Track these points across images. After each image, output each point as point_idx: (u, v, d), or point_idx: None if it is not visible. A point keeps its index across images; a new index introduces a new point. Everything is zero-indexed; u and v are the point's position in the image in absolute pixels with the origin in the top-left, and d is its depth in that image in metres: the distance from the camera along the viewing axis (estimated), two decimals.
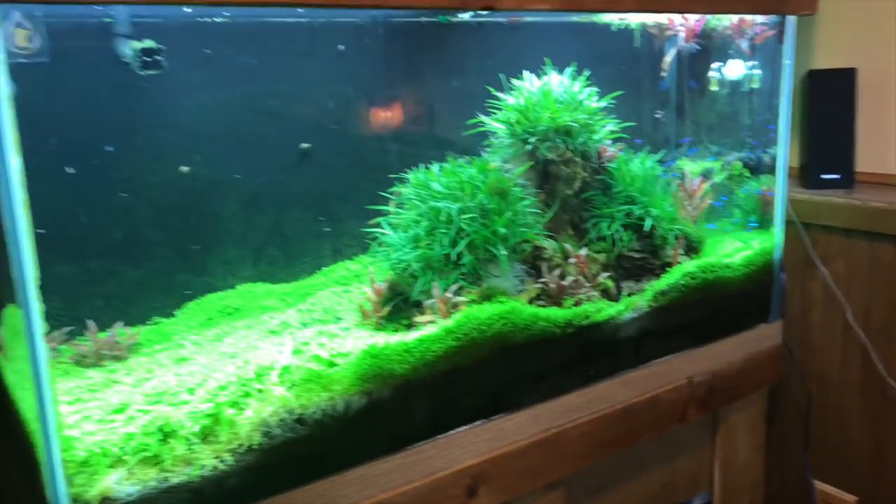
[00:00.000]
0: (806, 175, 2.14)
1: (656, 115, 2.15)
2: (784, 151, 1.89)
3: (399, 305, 1.46)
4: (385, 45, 1.70)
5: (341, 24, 1.66)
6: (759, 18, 1.92)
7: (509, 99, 1.66)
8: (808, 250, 2.08)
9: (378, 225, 1.55)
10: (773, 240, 1.90)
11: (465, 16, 1.78)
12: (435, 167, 1.57)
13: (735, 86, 2.06)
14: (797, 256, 2.12)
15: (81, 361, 1.33)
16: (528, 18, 1.89)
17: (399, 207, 1.55)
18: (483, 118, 1.67)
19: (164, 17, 1.40)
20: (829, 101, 2.09)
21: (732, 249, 1.86)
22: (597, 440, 1.56)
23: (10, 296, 1.08)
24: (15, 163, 0.91)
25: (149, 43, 1.33)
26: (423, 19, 1.74)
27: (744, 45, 2.01)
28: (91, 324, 1.36)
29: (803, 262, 2.11)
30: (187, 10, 1.33)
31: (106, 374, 1.28)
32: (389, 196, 1.56)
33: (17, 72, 0.90)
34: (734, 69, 2.05)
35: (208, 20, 1.47)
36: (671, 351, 1.69)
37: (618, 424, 1.60)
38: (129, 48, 1.32)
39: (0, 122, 0.89)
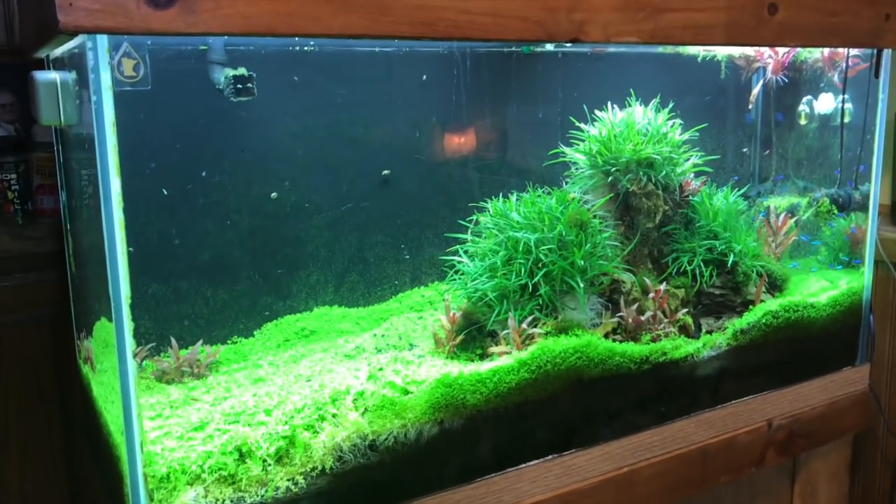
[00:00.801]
0: None
1: (743, 151, 2.10)
2: (875, 189, 1.82)
3: (473, 334, 1.46)
4: (468, 74, 1.71)
5: (425, 54, 1.68)
6: (853, 51, 1.86)
7: (591, 130, 1.65)
8: None
9: (456, 253, 1.55)
10: (861, 280, 1.83)
11: (549, 46, 1.78)
12: (514, 197, 1.56)
13: (824, 120, 1.99)
14: (887, 298, 2.03)
15: (162, 377, 1.37)
16: (612, 49, 1.88)
17: (477, 236, 1.55)
18: (564, 149, 1.66)
19: (256, 46, 1.44)
20: None
21: (818, 289, 1.80)
22: (671, 481, 1.52)
23: (101, 310, 1.12)
24: (116, 185, 0.94)
25: (241, 70, 1.38)
26: (507, 49, 1.75)
27: (835, 78, 1.95)
28: (173, 341, 1.40)
29: (894, 304, 2.02)
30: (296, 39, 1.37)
31: (186, 391, 1.31)
32: (468, 225, 1.56)
33: (123, 99, 0.94)
34: (824, 103, 1.99)
35: (297, 49, 1.51)
36: (750, 392, 1.64)
37: (693, 466, 1.55)
38: (223, 75, 1.37)
39: (104, 146, 0.93)
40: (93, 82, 0.92)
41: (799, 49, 1.97)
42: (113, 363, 1.04)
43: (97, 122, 0.93)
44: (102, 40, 0.91)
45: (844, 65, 1.89)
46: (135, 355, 1.23)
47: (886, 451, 2.07)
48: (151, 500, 1.03)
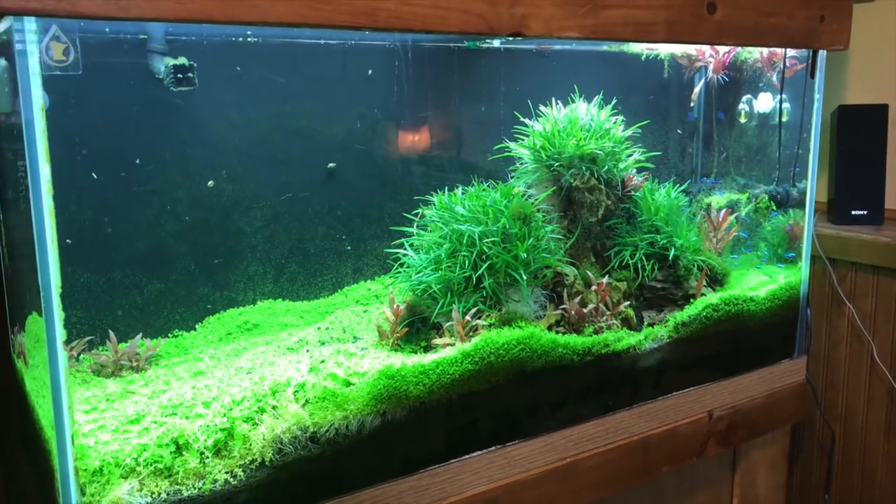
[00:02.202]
0: (834, 210, 2.12)
1: (678, 132, 2.13)
2: (812, 186, 1.87)
3: (417, 327, 1.46)
4: (414, 69, 1.71)
5: (370, 48, 1.68)
6: (790, 52, 1.91)
7: (536, 125, 1.67)
8: (834, 286, 2.05)
9: (400, 246, 1.56)
10: (799, 275, 1.88)
11: (495, 42, 1.79)
12: (459, 190, 1.57)
13: (763, 118, 2.05)
14: (823, 292, 2.09)
15: (100, 371, 1.34)
16: (558, 46, 1.90)
17: (422, 229, 1.56)
18: (509, 143, 1.67)
19: (198, 36, 1.43)
20: (860, 136, 2.07)
21: (757, 283, 1.84)
22: (613, 471, 1.54)
23: (32, 304, 1.09)
24: (45, 172, 0.92)
25: (182, 60, 1.36)
26: (453, 44, 1.76)
27: (773, 78, 2.00)
28: (112, 335, 1.37)
29: (829, 299, 2.08)
30: (221, 28, 1.36)
31: (123, 384, 1.29)
32: (413, 218, 1.57)
33: (52, 84, 0.92)
34: (763, 102, 2.04)
35: (240, 40, 1.50)
36: (692, 383, 1.67)
37: (635, 456, 1.58)
38: (163, 65, 1.35)
39: (33, 132, 0.91)
40: (20, 66, 0.90)
41: (739, 49, 2.01)
42: (44, 356, 1.01)
43: (24, 107, 0.91)
44: (29, 22, 0.89)
45: (782, 65, 1.95)
46: (70, 348, 1.21)
47: (823, 440, 2.13)
48: (83, 493, 1.01)
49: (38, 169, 0.93)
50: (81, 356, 1.36)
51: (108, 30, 1.32)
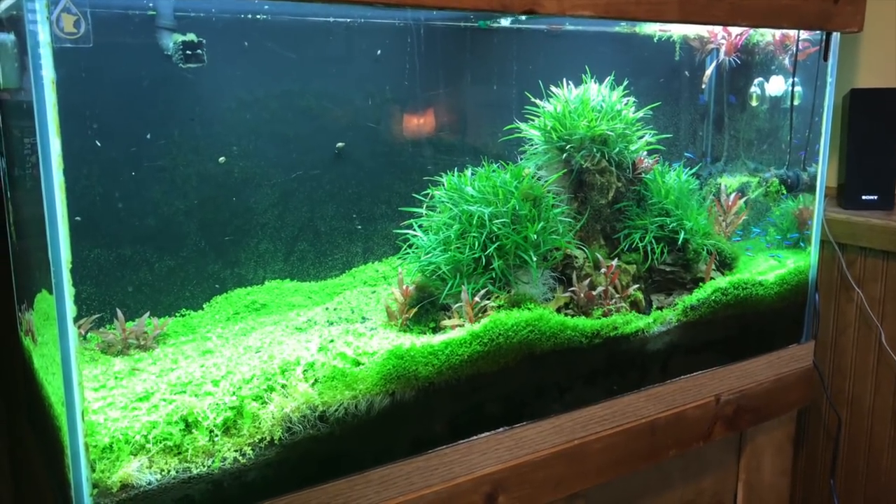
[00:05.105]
0: (845, 195, 2.10)
1: (689, 115, 2.11)
2: (823, 170, 1.85)
3: (426, 308, 1.45)
4: (425, 48, 1.69)
5: (381, 26, 1.66)
6: (803, 34, 1.89)
7: (547, 106, 1.65)
8: (843, 271, 2.04)
9: (410, 227, 1.55)
10: (807, 259, 1.87)
11: (506, 22, 1.77)
12: (469, 171, 1.56)
13: (775, 102, 2.03)
14: (832, 277, 2.08)
15: (108, 350, 1.34)
16: (570, 27, 1.88)
17: (431, 210, 1.55)
18: (519, 124, 1.66)
19: (207, 13, 1.41)
20: (872, 120, 2.05)
21: (766, 267, 1.83)
22: (620, 454, 1.54)
23: (42, 281, 1.09)
24: (56, 146, 0.91)
25: (191, 36, 1.35)
26: (463, 24, 1.74)
27: (785, 61, 1.98)
28: (119, 313, 1.37)
29: (838, 284, 2.07)
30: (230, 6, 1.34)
31: (131, 362, 1.28)
32: (422, 199, 1.56)
33: (60, 58, 0.91)
34: (775, 85, 2.02)
35: (249, 17, 1.48)
36: (699, 367, 1.67)
37: (642, 439, 1.57)
38: (172, 41, 1.33)
39: (43, 104, 0.90)
40: (30, 37, 0.89)
41: (751, 31, 1.99)
42: (54, 333, 1.01)
43: (35, 79, 0.89)
44: None
45: (795, 48, 1.92)
46: (78, 325, 1.20)
47: (829, 426, 2.13)
48: (93, 470, 1.00)
49: (48, 143, 0.92)
50: (89, 334, 1.36)
51: (117, 4, 1.30)
